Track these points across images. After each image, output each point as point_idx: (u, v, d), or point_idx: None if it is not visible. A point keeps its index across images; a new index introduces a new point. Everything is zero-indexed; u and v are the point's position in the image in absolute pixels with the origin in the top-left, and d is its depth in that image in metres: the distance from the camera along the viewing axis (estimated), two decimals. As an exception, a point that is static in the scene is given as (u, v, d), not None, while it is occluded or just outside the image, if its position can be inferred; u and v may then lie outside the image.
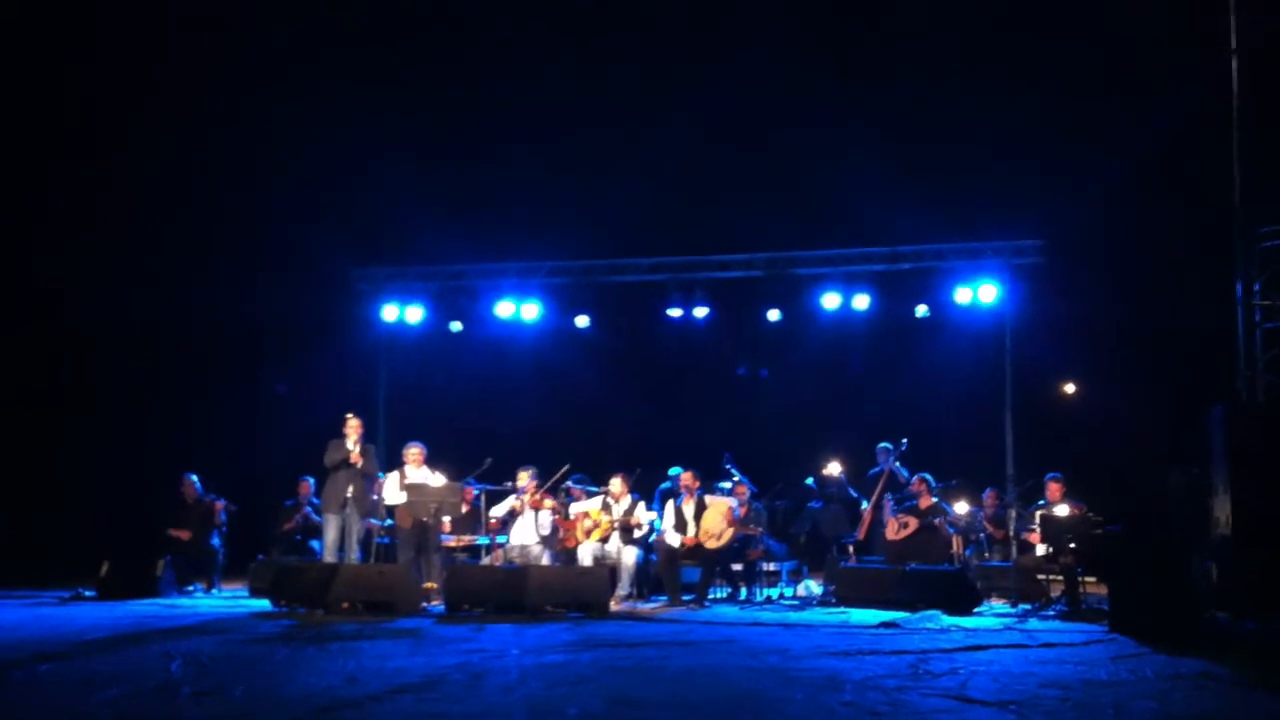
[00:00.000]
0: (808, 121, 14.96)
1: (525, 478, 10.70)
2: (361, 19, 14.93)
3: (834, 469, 11.77)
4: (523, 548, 10.57)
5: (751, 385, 15.99)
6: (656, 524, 10.71)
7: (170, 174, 14.83)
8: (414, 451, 10.56)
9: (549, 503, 10.61)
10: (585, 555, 10.36)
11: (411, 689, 5.18)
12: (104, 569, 10.32)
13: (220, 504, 11.57)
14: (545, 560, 10.40)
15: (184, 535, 11.33)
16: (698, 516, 10.31)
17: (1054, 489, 10.27)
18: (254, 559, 11.21)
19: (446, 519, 10.49)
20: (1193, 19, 11.95)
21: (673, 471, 11.56)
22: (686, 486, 10.53)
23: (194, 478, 11.60)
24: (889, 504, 11.11)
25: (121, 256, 14.82)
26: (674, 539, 10.30)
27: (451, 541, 10.72)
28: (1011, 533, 10.70)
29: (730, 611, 9.50)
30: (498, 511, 10.81)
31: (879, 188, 13.49)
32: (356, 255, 15.12)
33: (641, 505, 10.71)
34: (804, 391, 15.26)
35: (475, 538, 10.81)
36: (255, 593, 10.43)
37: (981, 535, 11.24)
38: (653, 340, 15.14)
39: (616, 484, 10.60)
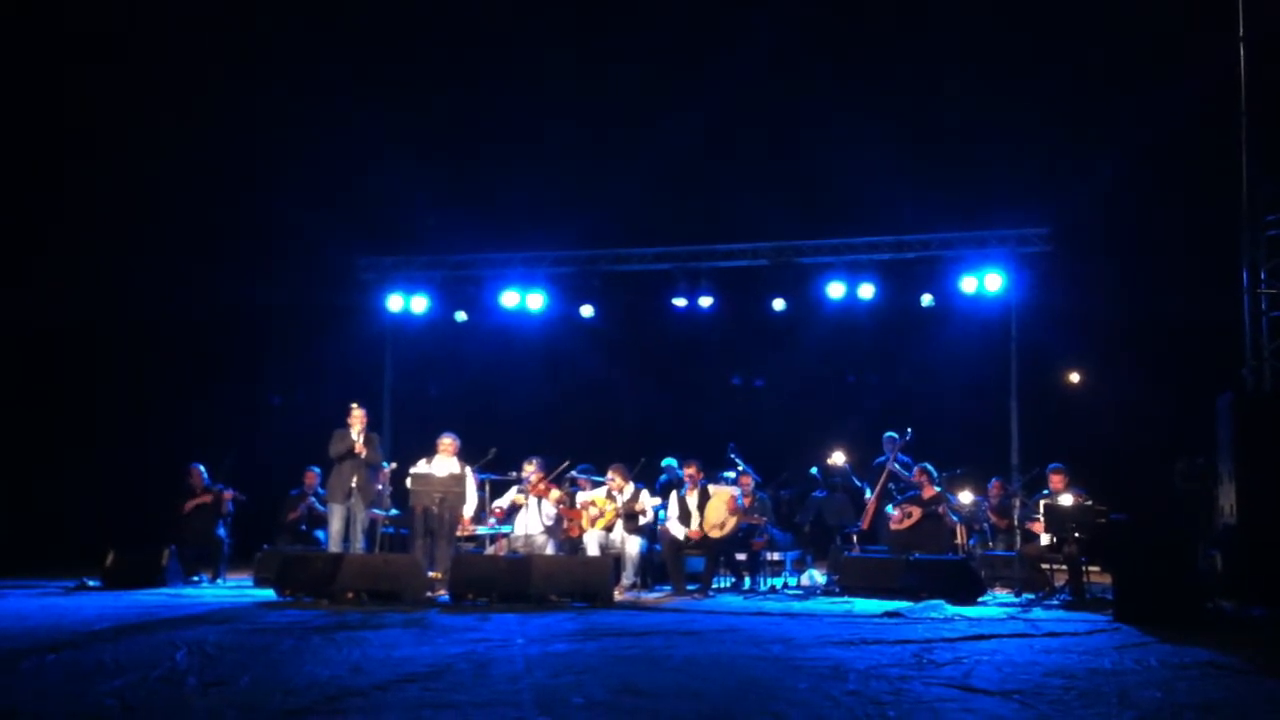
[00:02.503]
0: (813, 110, 14.92)
1: (530, 468, 10.72)
2: (366, 13, 14.92)
3: (838, 458, 11.76)
4: (527, 537, 10.59)
5: (757, 374, 16.00)
6: (661, 513, 10.72)
7: (175, 165, 14.84)
8: (446, 442, 10.60)
9: (554, 494, 10.62)
10: (591, 543, 10.38)
11: (418, 678, 5.19)
12: (109, 559, 10.34)
13: (229, 494, 11.57)
14: (549, 550, 10.42)
15: (206, 499, 11.32)
16: (701, 507, 10.32)
17: (1056, 479, 10.24)
18: (259, 549, 11.23)
19: (468, 512, 10.55)
20: (1200, 7, 11.90)
21: (665, 462, 11.59)
22: (690, 477, 10.53)
23: (201, 467, 11.62)
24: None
25: (127, 245, 14.85)
26: (678, 529, 10.31)
27: (456, 531, 10.74)
28: (1015, 522, 10.69)
29: (734, 601, 9.51)
30: (502, 502, 10.83)
31: (885, 177, 13.47)
32: (362, 245, 15.14)
33: (645, 493, 10.72)
34: (809, 380, 15.27)
35: (478, 527, 10.84)
36: (260, 582, 10.44)
37: (985, 524, 11.23)
38: (657, 329, 15.13)
39: (615, 476, 10.60)
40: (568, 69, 15.04)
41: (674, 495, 10.61)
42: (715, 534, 10.22)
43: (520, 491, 10.74)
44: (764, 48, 14.03)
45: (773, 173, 15.10)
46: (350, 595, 8.93)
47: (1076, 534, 9.42)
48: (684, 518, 10.33)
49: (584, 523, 10.55)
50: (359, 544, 10.17)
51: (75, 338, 15.26)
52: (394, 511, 11.25)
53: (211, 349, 15.45)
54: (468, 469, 10.53)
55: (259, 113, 14.45)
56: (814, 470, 11.84)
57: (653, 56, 14.96)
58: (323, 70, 14.28)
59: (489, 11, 14.88)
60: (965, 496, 11.21)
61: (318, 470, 11.77)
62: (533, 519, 10.65)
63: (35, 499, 13.85)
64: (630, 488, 10.60)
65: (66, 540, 12.63)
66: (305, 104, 14.23)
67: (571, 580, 8.96)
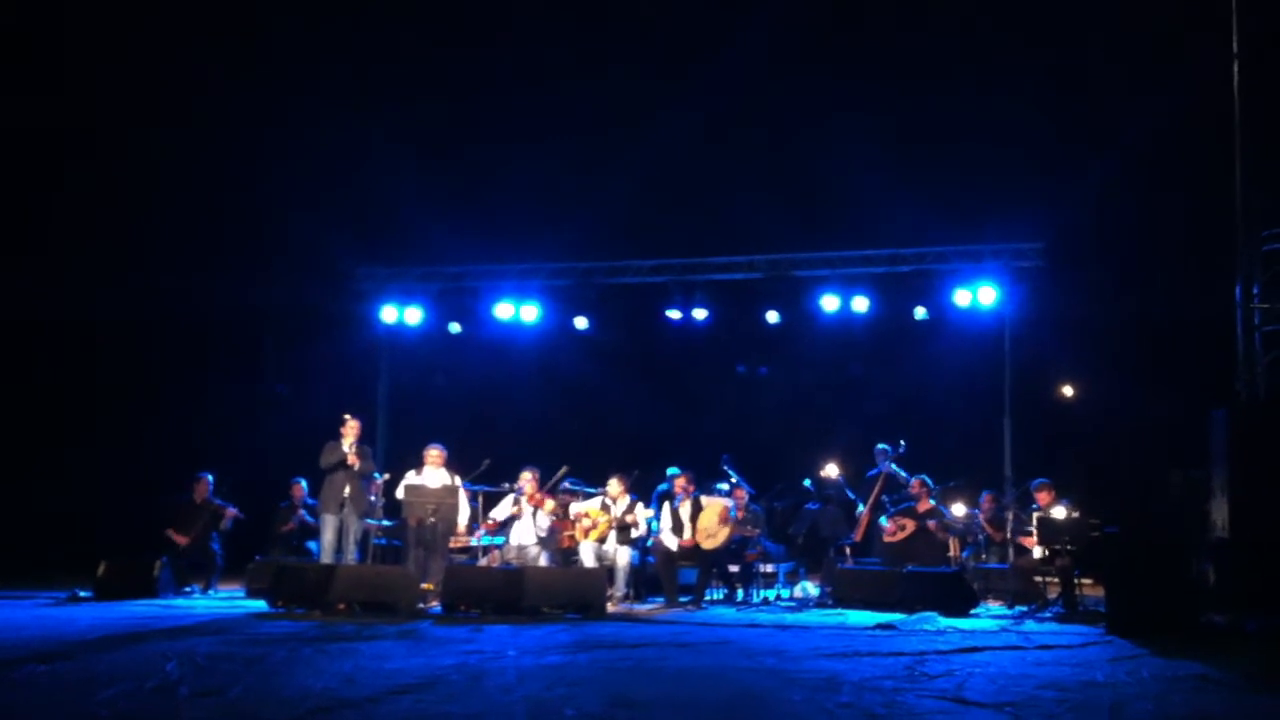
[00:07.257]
0: (808, 122, 14.97)
1: (526, 478, 10.70)
2: (363, 19, 14.96)
3: (832, 470, 11.76)
4: (520, 549, 10.56)
5: (751, 386, 16.01)
6: (654, 525, 10.71)
7: (174, 171, 14.85)
8: (434, 453, 10.60)
9: (550, 504, 10.60)
10: (587, 555, 10.35)
11: (410, 689, 5.18)
12: (101, 569, 10.29)
13: (231, 511, 11.51)
14: (543, 561, 10.39)
15: (181, 540, 11.26)
16: (694, 518, 10.31)
17: (1043, 495, 10.26)
18: (250, 560, 11.19)
19: (463, 523, 10.54)
20: (1193, 20, 11.97)
21: (670, 472, 11.57)
22: (682, 489, 10.53)
23: (209, 477, 11.56)
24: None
25: (123, 253, 14.85)
26: (671, 541, 10.30)
27: (449, 542, 10.72)
28: (1009, 534, 10.70)
29: (727, 613, 9.50)
30: (497, 514, 10.81)
31: (880, 189, 13.49)
32: (358, 255, 15.13)
33: (640, 505, 10.71)
34: (803, 393, 15.27)
35: (471, 539, 10.82)
36: (252, 593, 10.42)
37: (980, 537, 11.23)
38: (653, 342, 15.12)
39: (614, 485, 10.59)
40: (562, 80, 15.08)
41: (666, 506, 10.60)
42: (708, 545, 10.21)
43: (515, 503, 10.73)
44: (760, 61, 14.08)
45: (768, 185, 15.12)
46: (343, 606, 8.91)
47: (1069, 546, 9.43)
48: (676, 529, 10.32)
49: (578, 534, 10.54)
50: (352, 555, 10.15)
51: (73, 344, 15.23)
52: (386, 523, 11.22)
53: (207, 360, 15.42)
54: (457, 479, 10.52)
55: (259, 115, 14.47)
56: (807, 482, 11.84)
57: (649, 68, 15.02)
58: (321, 75, 14.32)
59: (486, 22, 14.93)
60: (959, 509, 11.21)
61: (304, 482, 11.74)
62: (527, 530, 10.63)
63: (28, 509, 13.78)
64: (627, 499, 10.59)
65: (59, 549, 12.57)
66: (307, 103, 14.26)
67: (565, 592, 8.95)
